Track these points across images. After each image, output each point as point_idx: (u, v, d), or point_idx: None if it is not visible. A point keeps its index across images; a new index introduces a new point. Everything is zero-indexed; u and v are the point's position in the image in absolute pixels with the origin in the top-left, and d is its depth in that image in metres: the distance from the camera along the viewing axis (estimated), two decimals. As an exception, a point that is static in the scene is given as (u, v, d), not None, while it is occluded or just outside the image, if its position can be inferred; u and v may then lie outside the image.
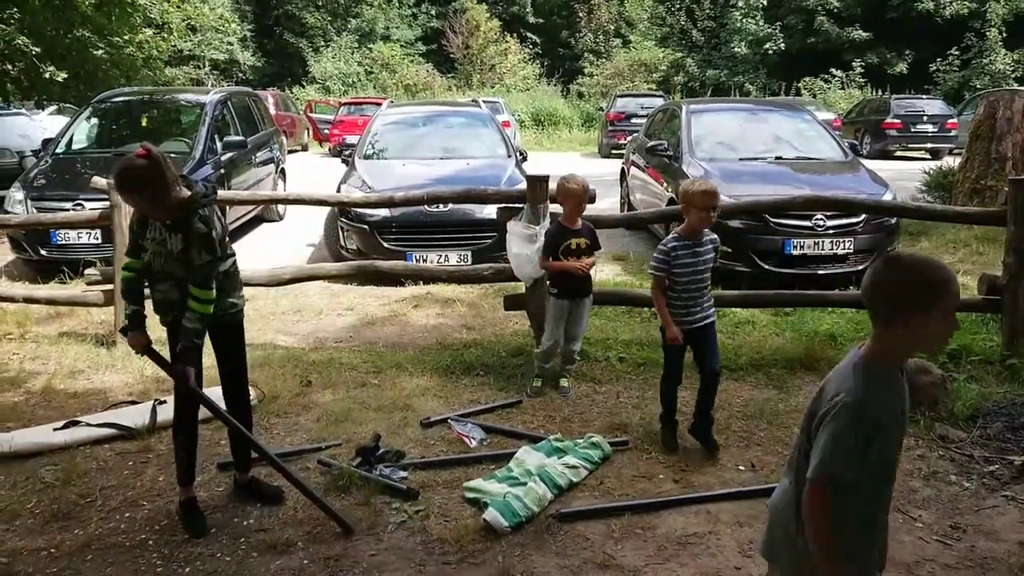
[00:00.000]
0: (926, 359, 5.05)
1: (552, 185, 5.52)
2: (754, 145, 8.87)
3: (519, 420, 4.69)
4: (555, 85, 34.49)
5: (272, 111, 16.19)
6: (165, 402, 4.71)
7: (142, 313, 3.56)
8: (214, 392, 3.87)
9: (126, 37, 13.37)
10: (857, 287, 7.22)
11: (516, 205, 5.63)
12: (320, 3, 38.88)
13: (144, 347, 3.54)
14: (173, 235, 3.36)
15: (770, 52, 32.38)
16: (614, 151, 20.79)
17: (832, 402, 1.94)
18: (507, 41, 37.20)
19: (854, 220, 7.36)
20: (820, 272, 7.28)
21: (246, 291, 3.73)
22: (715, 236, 4.25)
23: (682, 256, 4.09)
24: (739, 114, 10.20)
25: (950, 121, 21.04)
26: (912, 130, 21.12)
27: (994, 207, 7.20)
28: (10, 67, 12.44)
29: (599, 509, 3.64)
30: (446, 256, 7.87)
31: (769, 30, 32.46)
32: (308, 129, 26.83)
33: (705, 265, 4.16)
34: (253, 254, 8.93)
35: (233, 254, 3.62)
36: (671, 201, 8.36)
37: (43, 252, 8.10)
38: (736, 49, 32.80)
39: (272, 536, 3.46)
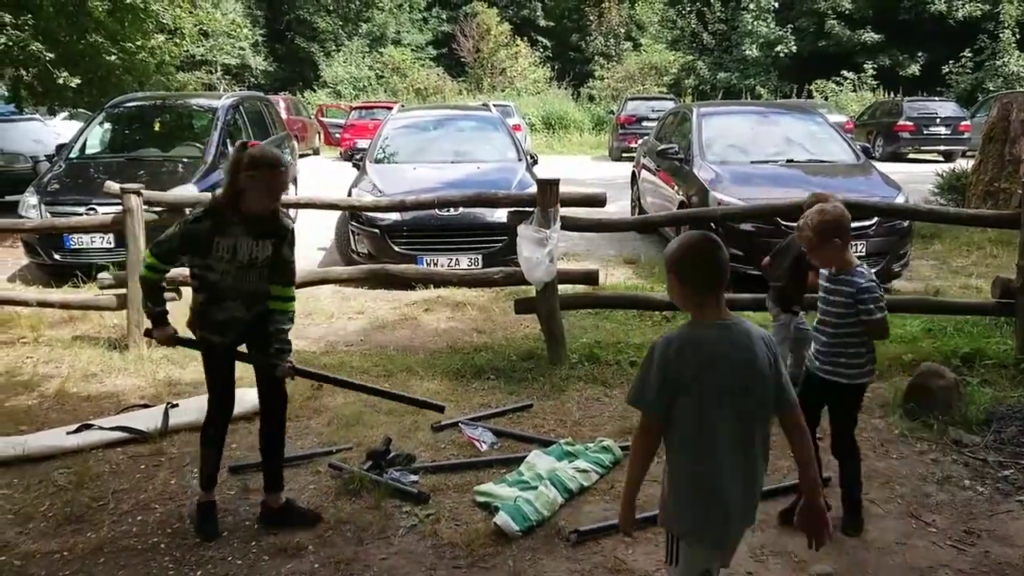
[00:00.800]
0: (940, 362, 5.02)
1: (563, 188, 5.52)
2: (765, 148, 8.85)
3: (530, 424, 4.69)
4: (566, 88, 34.49)
5: (284, 115, 16.28)
6: (177, 405, 4.74)
7: (166, 311, 3.52)
8: (247, 393, 3.90)
9: (139, 43, 13.44)
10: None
11: (527, 209, 5.62)
12: (331, 8, 39.04)
13: (173, 338, 3.55)
14: (261, 242, 3.36)
15: (781, 55, 32.25)
16: (625, 154, 20.79)
17: (770, 351, 2.31)
18: (518, 44, 37.24)
19: (866, 223, 7.32)
20: (832, 275, 7.23)
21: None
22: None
23: None
24: (750, 117, 10.19)
25: (963, 123, 20.95)
26: (925, 132, 21.04)
27: (1008, 210, 7.17)
28: (24, 72, 12.52)
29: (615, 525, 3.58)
30: (457, 260, 7.88)
31: (780, 33, 32.35)
32: (319, 133, 26.93)
33: None
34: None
35: None
36: (682, 204, 8.35)
37: (56, 256, 8.16)
38: (747, 52, 32.70)
39: (283, 540, 3.46)
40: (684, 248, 2.33)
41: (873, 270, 7.55)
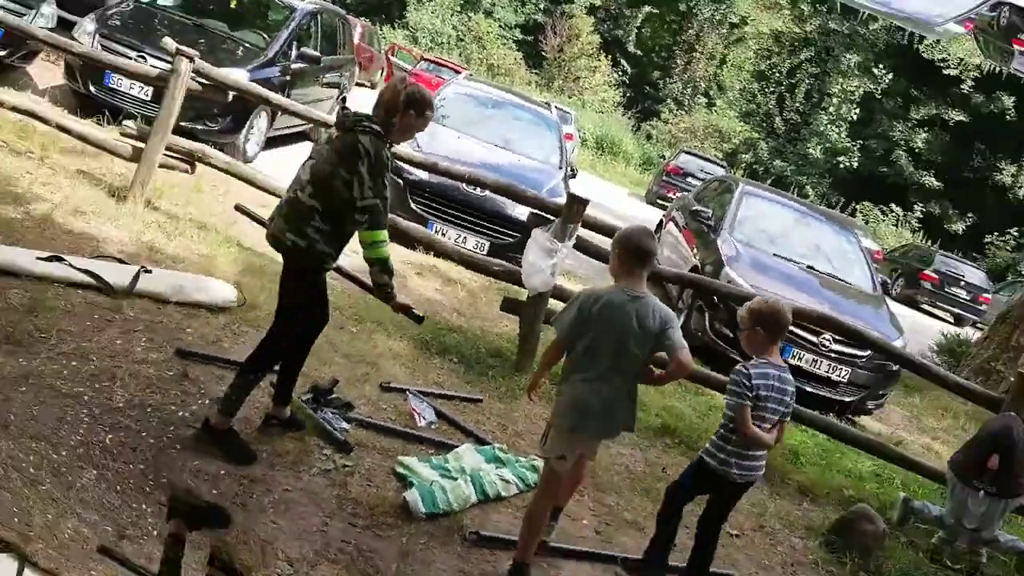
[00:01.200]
0: (876, 508, 5.03)
1: (590, 210, 5.50)
2: (793, 246, 8.86)
3: (473, 417, 4.69)
4: (629, 118, 34.49)
5: (356, 40, 16.20)
6: (150, 272, 4.72)
7: None
8: (219, 286, 3.83)
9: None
10: (838, 417, 7.20)
11: (548, 216, 5.62)
12: (440, -45, 38.86)
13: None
14: None
15: (841, 165, 32.35)
16: (660, 200, 20.79)
17: (667, 317, 3.20)
18: (600, 60, 37.23)
19: (859, 353, 7.33)
20: (807, 388, 7.22)
21: (270, 203, 3.74)
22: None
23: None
24: (789, 211, 10.18)
25: (985, 295, 20.99)
26: (946, 290, 21.07)
27: (995, 392, 7.18)
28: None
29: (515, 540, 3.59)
30: (465, 238, 7.88)
31: (848, 144, 32.45)
32: (383, 69, 26.85)
33: None
34: (287, 166, 8.93)
35: None
36: (694, 268, 8.35)
37: (92, 88, 8.10)
38: (811, 150, 32.78)
39: (199, 436, 3.46)
40: (630, 232, 3.33)
41: (847, 399, 7.52)
